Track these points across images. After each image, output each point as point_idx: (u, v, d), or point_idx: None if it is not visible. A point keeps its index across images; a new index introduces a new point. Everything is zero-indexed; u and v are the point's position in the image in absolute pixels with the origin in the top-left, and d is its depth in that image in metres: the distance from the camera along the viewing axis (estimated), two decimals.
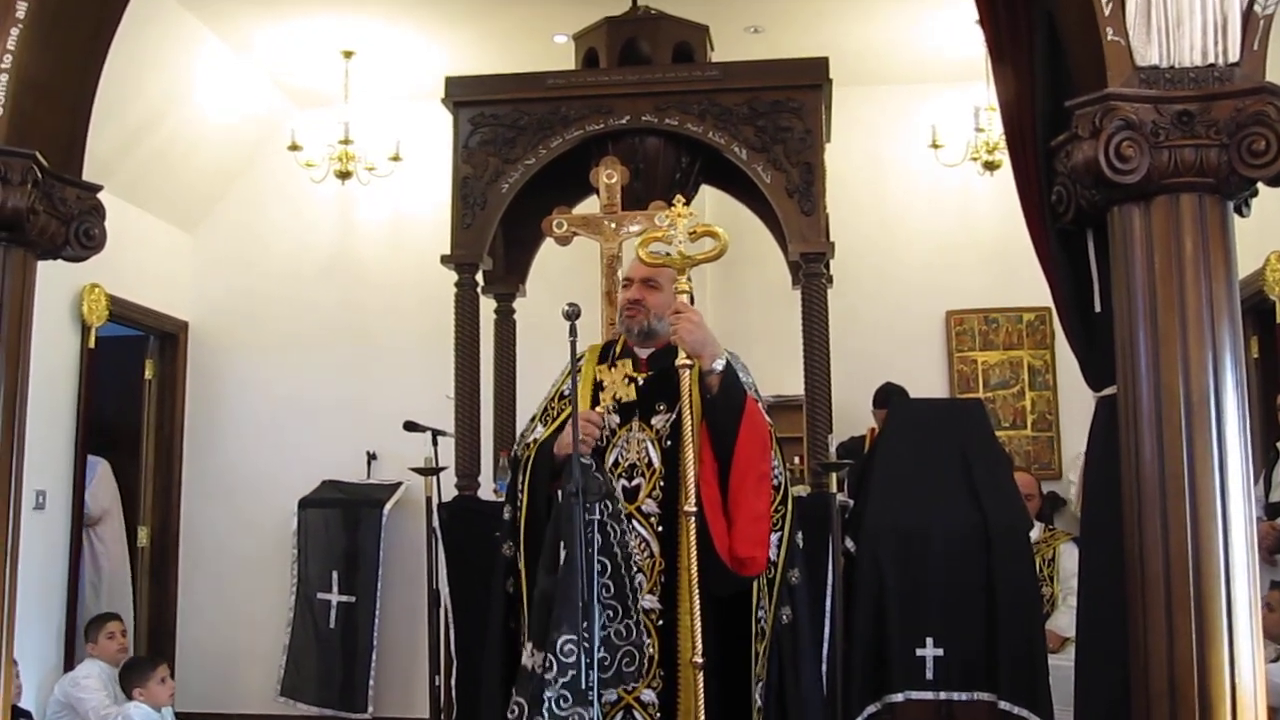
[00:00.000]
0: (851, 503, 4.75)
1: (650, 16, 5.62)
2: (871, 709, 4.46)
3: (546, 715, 2.88)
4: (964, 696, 4.42)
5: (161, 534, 7.25)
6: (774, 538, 3.34)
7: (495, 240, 5.43)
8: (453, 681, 4.83)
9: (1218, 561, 2.79)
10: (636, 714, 3.22)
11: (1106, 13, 2.93)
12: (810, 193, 5.05)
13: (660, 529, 3.32)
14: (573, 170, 5.38)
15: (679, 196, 3.48)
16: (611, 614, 3.07)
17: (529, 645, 3.18)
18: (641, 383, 3.48)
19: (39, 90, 3.35)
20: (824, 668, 4.32)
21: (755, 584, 3.32)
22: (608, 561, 3.08)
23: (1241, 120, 2.85)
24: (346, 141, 6.82)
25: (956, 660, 4.42)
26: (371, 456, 7.15)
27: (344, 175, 6.88)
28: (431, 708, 5.10)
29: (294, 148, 6.82)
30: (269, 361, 7.43)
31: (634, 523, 3.32)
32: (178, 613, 7.25)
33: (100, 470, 6.64)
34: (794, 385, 5.26)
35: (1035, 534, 5.50)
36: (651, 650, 3.23)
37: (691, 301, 3.38)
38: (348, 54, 6.78)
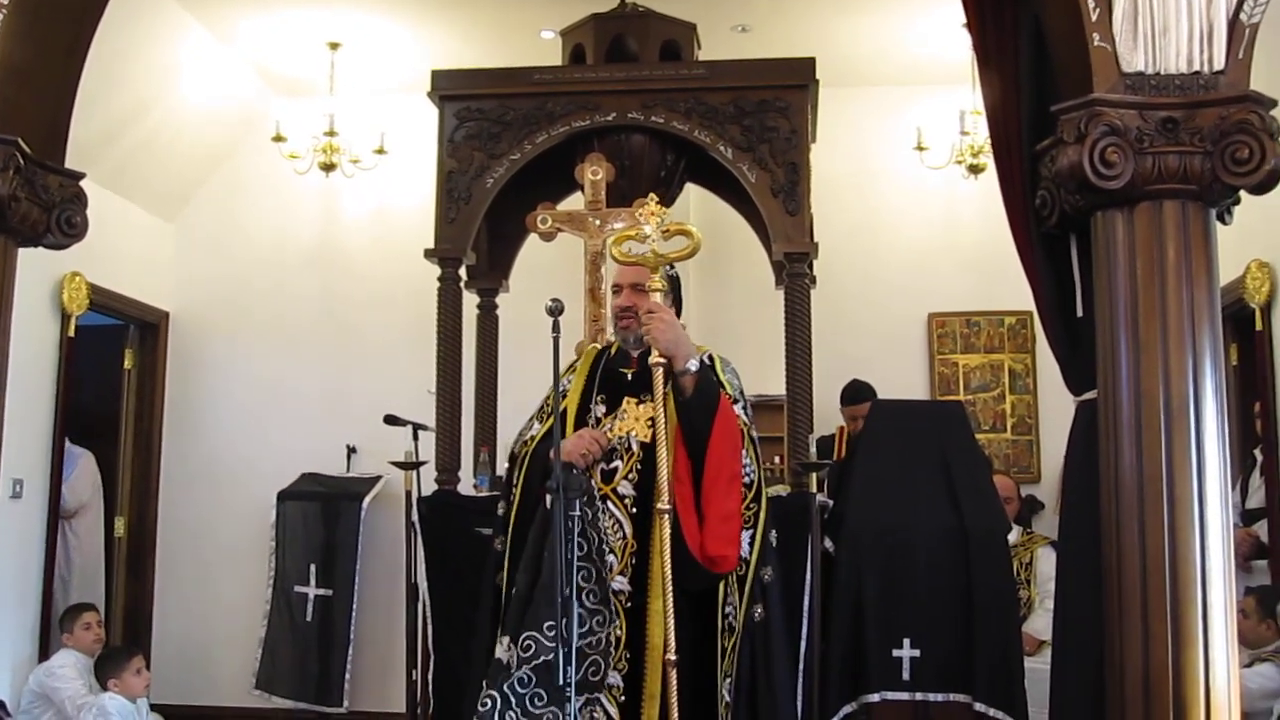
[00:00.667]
0: (831, 503, 4.76)
1: (638, 14, 5.61)
2: (848, 709, 4.46)
3: (518, 710, 2.91)
4: (940, 697, 4.42)
5: (139, 525, 7.19)
6: (746, 535, 3.40)
7: (479, 235, 5.42)
8: (429, 676, 4.81)
9: (1194, 567, 2.81)
10: (602, 697, 3.24)
11: (1093, 18, 2.95)
12: (795, 193, 5.05)
13: (634, 511, 3.37)
14: (558, 166, 5.37)
15: (651, 195, 3.52)
16: (589, 601, 3.13)
17: (505, 640, 3.22)
18: (630, 378, 3.56)
19: (22, 77, 3.33)
20: (801, 666, 4.34)
21: (724, 580, 3.37)
22: (585, 544, 3.17)
23: (1225, 128, 2.87)
24: (331, 133, 6.79)
25: (933, 661, 4.43)
26: (351, 450, 7.11)
27: (328, 167, 6.85)
28: (408, 702, 5.08)
29: (278, 139, 6.79)
30: (249, 353, 7.39)
31: (609, 504, 3.37)
32: (154, 604, 7.20)
33: (82, 462, 6.59)
34: (776, 385, 5.27)
35: (1013, 537, 5.53)
36: (619, 633, 3.27)
37: (676, 303, 3.40)
38: (333, 45, 6.74)
